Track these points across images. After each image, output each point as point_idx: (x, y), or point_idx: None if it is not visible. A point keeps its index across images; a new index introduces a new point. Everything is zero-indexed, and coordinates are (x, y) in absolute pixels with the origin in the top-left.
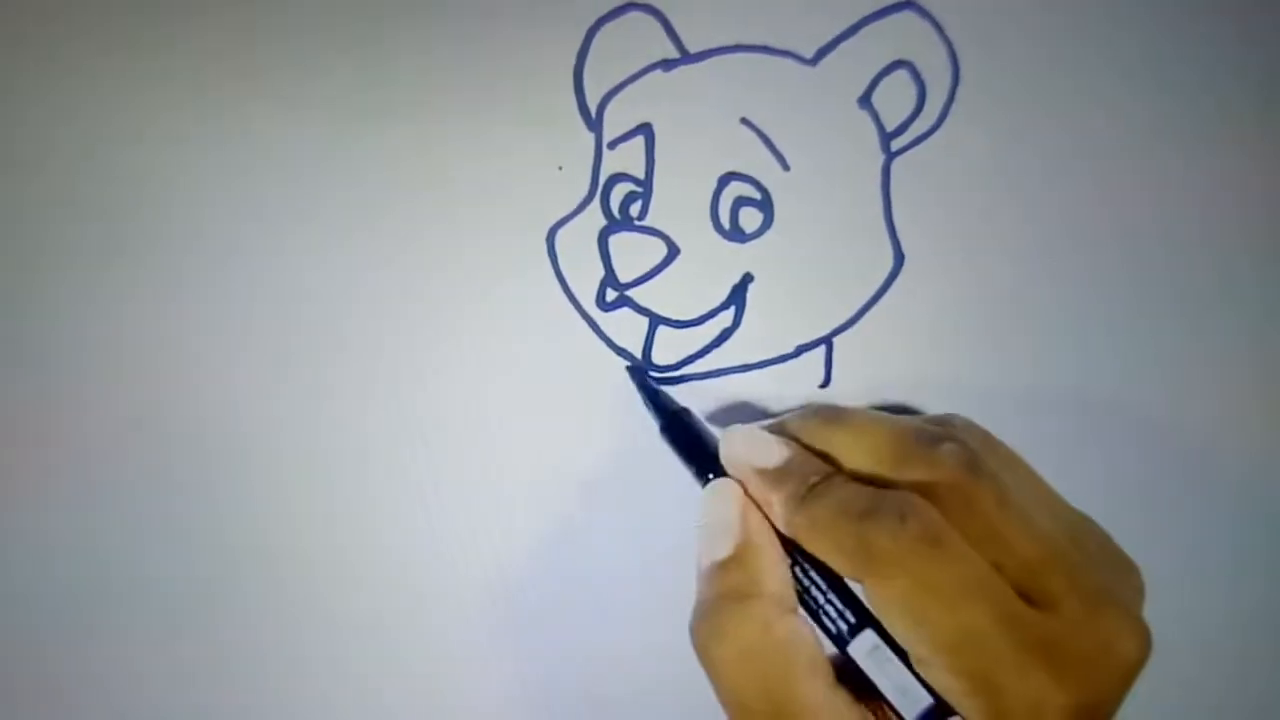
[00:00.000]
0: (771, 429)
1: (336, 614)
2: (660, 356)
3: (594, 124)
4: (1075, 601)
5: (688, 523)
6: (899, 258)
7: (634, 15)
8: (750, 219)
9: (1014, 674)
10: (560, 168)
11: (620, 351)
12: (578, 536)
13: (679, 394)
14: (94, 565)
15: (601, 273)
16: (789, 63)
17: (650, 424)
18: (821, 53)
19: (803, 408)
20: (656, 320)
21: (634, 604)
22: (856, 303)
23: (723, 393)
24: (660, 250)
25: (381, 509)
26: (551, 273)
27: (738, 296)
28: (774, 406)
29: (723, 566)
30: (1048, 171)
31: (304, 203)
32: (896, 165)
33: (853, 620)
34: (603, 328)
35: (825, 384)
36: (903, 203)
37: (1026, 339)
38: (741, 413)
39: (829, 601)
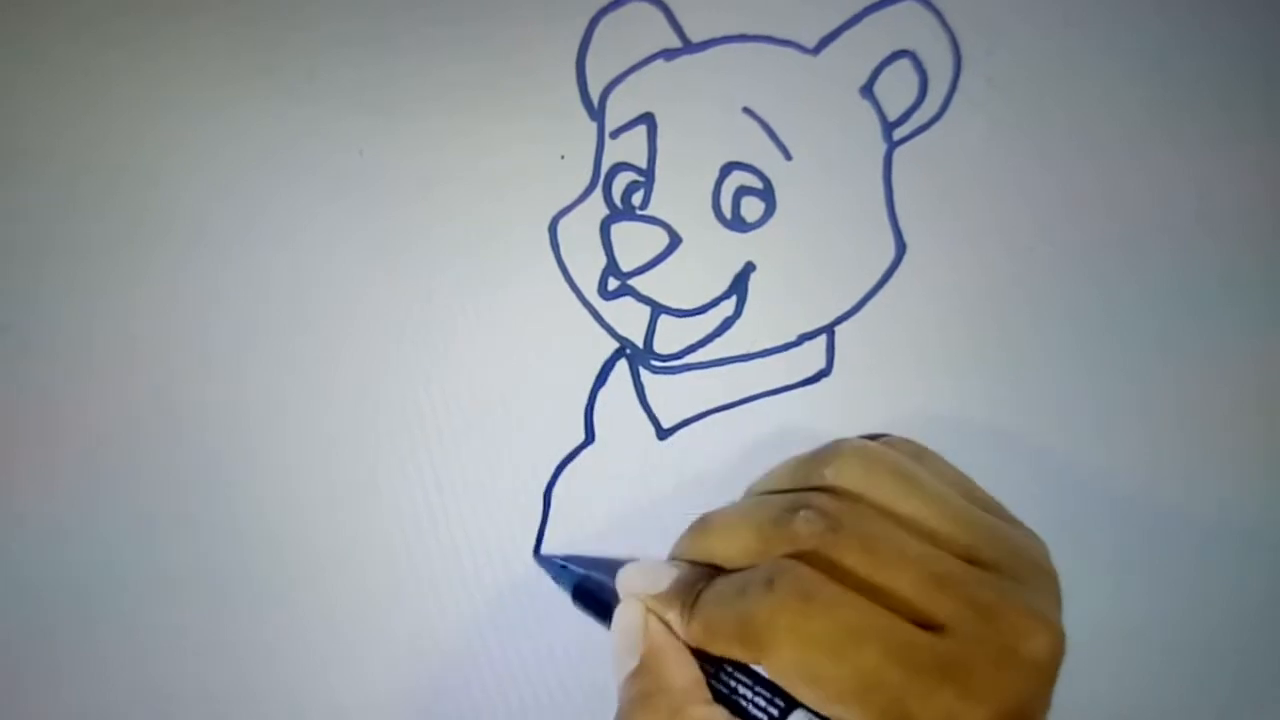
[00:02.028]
0: (659, 557)
1: (340, 605)
2: (662, 345)
3: (596, 113)
4: (968, 615)
5: (682, 514)
6: (900, 247)
7: (636, 5)
8: (752, 208)
9: (921, 700)
10: (562, 157)
11: (622, 340)
12: (578, 526)
13: (681, 382)
14: (99, 555)
15: (603, 262)
16: (791, 52)
17: (652, 414)
18: (824, 42)
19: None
20: (658, 309)
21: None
22: (858, 292)
23: (723, 381)
24: (662, 239)
25: (385, 499)
26: (554, 262)
27: (740, 285)
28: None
29: (632, 676)
30: (1048, 161)
31: (306, 194)
32: (898, 155)
33: (782, 704)
34: (605, 316)
35: (827, 373)
36: (904, 192)
37: (1027, 328)
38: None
39: (756, 694)
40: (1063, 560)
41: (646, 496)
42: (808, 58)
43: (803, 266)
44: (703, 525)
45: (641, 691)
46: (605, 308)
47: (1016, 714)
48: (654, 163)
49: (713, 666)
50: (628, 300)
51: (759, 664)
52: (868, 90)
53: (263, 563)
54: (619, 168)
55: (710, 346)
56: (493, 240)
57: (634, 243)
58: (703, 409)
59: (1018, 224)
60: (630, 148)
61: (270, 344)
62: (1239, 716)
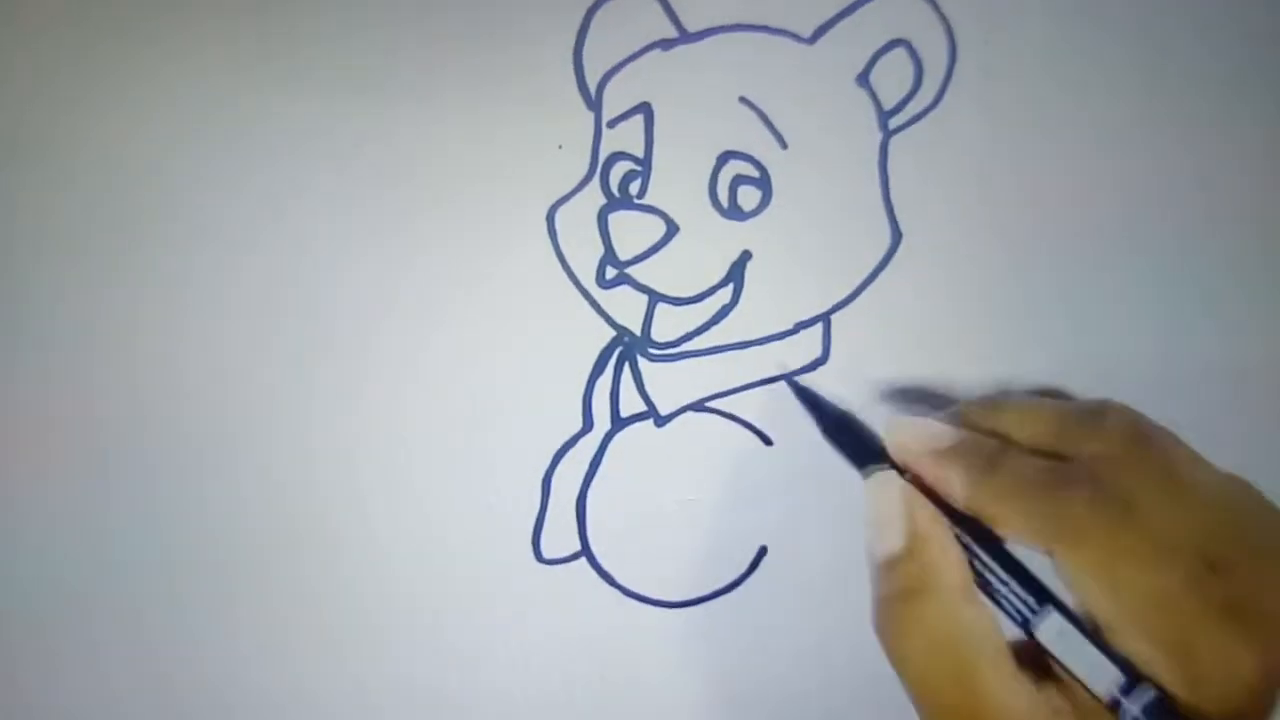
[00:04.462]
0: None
1: (338, 596)
2: (659, 333)
3: (593, 103)
4: (1251, 563)
5: (680, 501)
6: (896, 235)
7: None
8: (749, 197)
9: (1206, 635)
10: (560, 146)
11: (620, 328)
12: (573, 516)
13: (679, 370)
14: (97, 551)
15: (601, 251)
16: (787, 41)
17: (650, 401)
18: (820, 31)
19: (961, 402)
20: (656, 297)
21: (633, 587)
22: (854, 280)
23: (721, 369)
24: (659, 228)
25: (382, 488)
26: (551, 251)
27: (736, 274)
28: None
29: (897, 562)
30: (1044, 149)
31: (302, 185)
32: (894, 143)
33: (1034, 605)
34: (602, 305)
35: (823, 360)
36: (900, 181)
37: (1023, 317)
38: None
39: (1009, 589)
40: None
41: (645, 483)
42: (804, 47)
43: (799, 255)
44: (995, 401)
45: (912, 585)
46: (603, 296)
47: (1278, 670)
48: (651, 152)
49: (966, 548)
50: (625, 289)
51: (1052, 554)
52: (864, 79)
53: (260, 555)
54: (616, 157)
55: (707, 334)
56: (490, 230)
57: (631, 232)
58: (700, 396)
59: (1014, 212)
60: (627, 137)
61: (268, 334)
62: None
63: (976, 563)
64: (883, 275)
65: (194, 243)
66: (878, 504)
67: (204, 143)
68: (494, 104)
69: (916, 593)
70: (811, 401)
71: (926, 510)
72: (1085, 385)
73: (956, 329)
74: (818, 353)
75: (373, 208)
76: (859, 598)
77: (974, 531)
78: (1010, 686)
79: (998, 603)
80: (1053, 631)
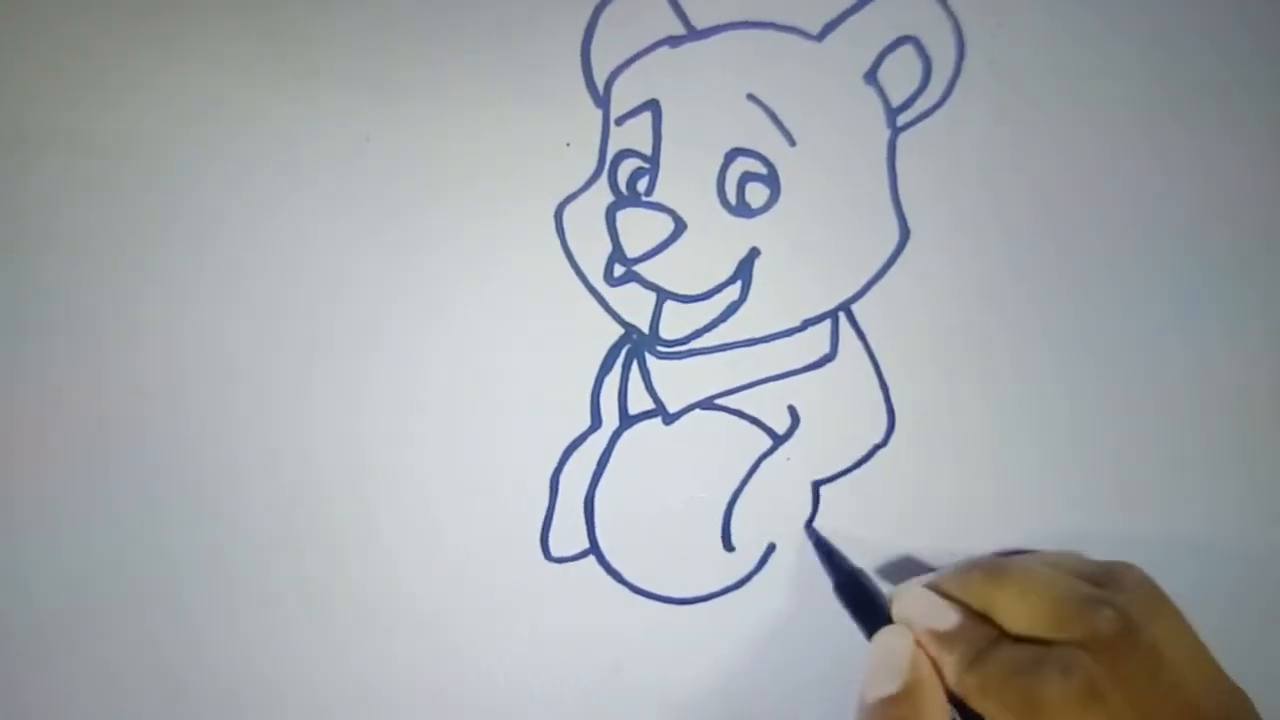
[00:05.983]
0: (936, 584)
1: (344, 593)
2: (667, 331)
3: (601, 100)
4: None
5: (688, 498)
6: (904, 232)
7: None
8: (757, 194)
9: None
10: (568, 144)
11: (628, 326)
12: (581, 514)
13: (687, 367)
14: (95, 551)
15: (609, 248)
16: (795, 39)
17: (658, 399)
18: (828, 29)
19: (965, 562)
20: (664, 295)
21: (642, 584)
22: (862, 277)
23: (729, 366)
24: (667, 225)
25: (393, 486)
26: (559, 248)
27: (744, 271)
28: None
29: (889, 701)
30: (1051, 146)
31: (312, 181)
32: (902, 140)
33: None
34: (610, 302)
35: (831, 357)
36: (908, 178)
37: (1030, 313)
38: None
39: None
40: (1067, 548)
41: (653, 481)
42: (812, 44)
43: (807, 252)
44: (996, 576)
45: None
46: (611, 294)
47: None
48: (659, 149)
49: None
50: (633, 286)
51: None
52: (871, 76)
53: (265, 554)
54: (624, 154)
55: (715, 332)
56: (499, 227)
57: (639, 229)
58: (708, 394)
59: (1022, 209)
60: (635, 134)
61: (272, 332)
62: None
63: None
64: (890, 272)
65: (197, 241)
66: (885, 650)
67: (207, 141)
68: (501, 101)
69: None
70: (827, 556)
71: (927, 665)
72: (1088, 383)
73: (964, 325)
74: (826, 349)
75: (379, 205)
76: None
77: (961, 708)
78: None
79: None
80: None
